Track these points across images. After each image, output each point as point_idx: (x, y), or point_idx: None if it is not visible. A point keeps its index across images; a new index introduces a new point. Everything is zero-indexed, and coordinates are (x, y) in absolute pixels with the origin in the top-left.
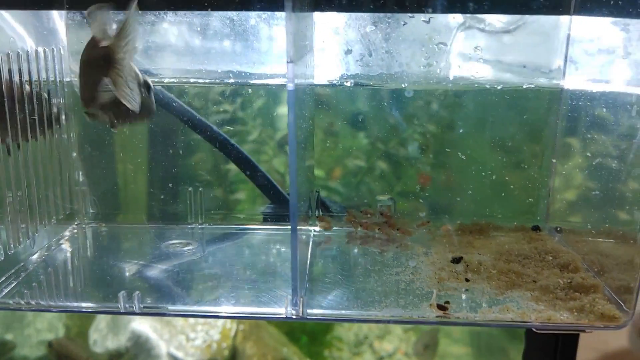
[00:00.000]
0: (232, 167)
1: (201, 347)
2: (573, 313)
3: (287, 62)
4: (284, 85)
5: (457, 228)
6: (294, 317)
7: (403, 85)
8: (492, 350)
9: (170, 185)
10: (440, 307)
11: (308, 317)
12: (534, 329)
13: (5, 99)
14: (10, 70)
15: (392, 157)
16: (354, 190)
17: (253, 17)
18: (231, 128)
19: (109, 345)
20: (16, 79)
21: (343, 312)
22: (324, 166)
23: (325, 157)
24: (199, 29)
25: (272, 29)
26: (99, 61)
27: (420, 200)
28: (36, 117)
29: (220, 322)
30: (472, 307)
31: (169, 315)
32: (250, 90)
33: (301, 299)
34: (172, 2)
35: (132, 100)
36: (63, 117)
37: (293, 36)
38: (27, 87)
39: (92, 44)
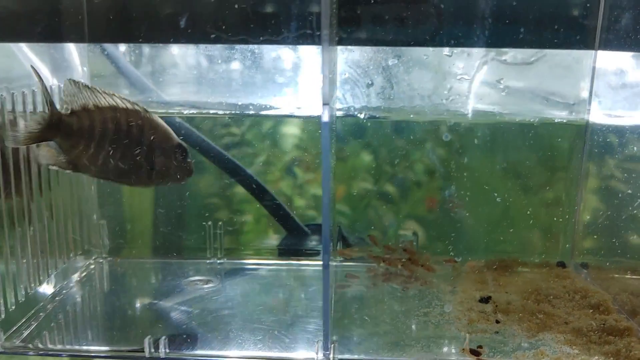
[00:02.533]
0: (248, 199)
1: None
2: (609, 358)
3: (323, 105)
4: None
5: (481, 264)
6: None
7: (410, 116)
8: None
9: (188, 219)
10: (474, 352)
11: None
12: None
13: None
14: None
15: (408, 186)
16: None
17: (274, 50)
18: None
19: None
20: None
21: (375, 358)
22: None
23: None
24: (219, 61)
25: (294, 61)
26: None
27: (448, 237)
28: None
29: None
30: (505, 352)
31: None
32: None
33: (332, 345)
34: (202, 36)
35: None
36: None
37: (329, 79)
38: None
39: None
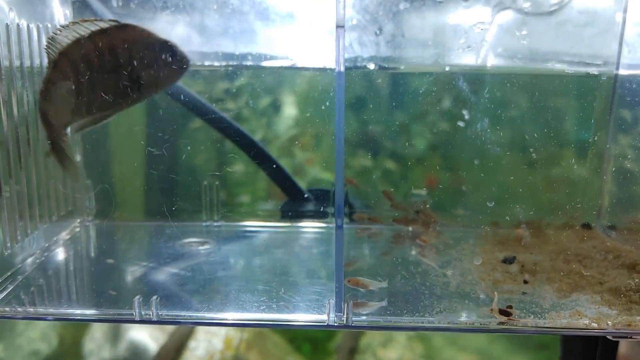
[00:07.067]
0: (247, 161)
1: (203, 356)
2: None
3: (337, 27)
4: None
5: (502, 226)
6: (336, 324)
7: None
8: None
9: (183, 179)
10: (503, 313)
11: (354, 325)
12: (608, 337)
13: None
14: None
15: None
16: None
17: None
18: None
19: (105, 355)
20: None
21: (393, 318)
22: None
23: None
24: (215, 6)
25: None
26: None
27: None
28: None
29: (222, 330)
30: (536, 312)
31: (195, 323)
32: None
33: (346, 305)
34: None
35: None
36: None
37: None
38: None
39: None
